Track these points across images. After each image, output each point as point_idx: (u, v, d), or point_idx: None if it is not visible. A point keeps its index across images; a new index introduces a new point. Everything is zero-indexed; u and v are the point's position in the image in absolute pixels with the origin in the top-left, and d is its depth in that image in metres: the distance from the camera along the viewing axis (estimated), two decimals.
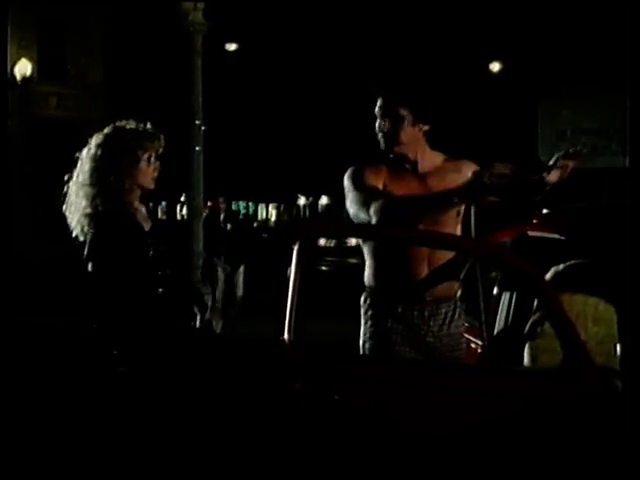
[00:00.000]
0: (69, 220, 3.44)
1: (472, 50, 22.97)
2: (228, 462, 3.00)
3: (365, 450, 2.93)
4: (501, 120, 22.27)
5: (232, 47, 25.06)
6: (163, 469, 3.07)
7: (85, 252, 3.33)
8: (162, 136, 3.49)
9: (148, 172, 3.40)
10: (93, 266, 3.29)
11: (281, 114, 28.17)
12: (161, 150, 3.46)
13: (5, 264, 16.40)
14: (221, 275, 8.97)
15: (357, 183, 3.42)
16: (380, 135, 3.47)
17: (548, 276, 3.73)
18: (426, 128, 3.44)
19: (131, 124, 3.47)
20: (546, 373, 3.10)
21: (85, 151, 3.47)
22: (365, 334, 3.39)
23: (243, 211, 38.21)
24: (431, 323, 3.34)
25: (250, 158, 30.65)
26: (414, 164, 3.44)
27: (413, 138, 3.42)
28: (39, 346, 3.38)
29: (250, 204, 40.15)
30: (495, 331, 3.84)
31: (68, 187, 3.46)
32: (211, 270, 8.82)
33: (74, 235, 3.41)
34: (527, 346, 3.41)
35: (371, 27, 26.16)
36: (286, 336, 2.94)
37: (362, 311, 3.43)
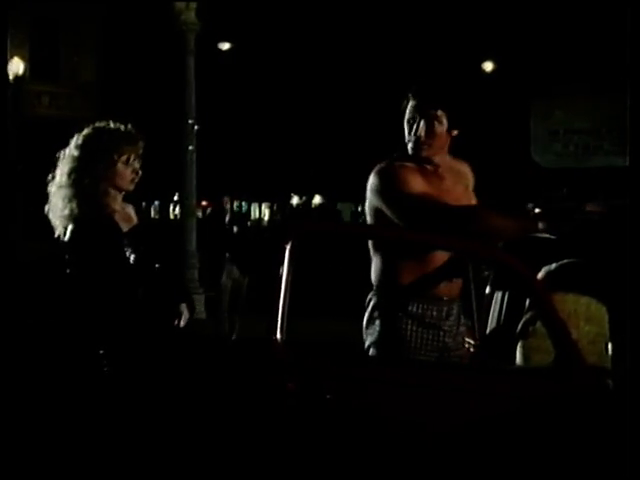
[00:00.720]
0: (52, 222, 3.45)
1: (465, 49, 23.00)
2: (219, 462, 2.99)
3: (357, 449, 2.93)
4: (493, 119, 22.30)
5: (225, 46, 25.04)
6: (152, 468, 3.07)
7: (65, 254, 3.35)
8: (142, 137, 3.48)
9: (125, 174, 3.40)
10: (70, 268, 3.31)
11: (274, 113, 28.17)
12: (141, 151, 3.46)
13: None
14: (227, 280, 8.63)
15: (403, 186, 3.23)
16: (412, 137, 3.32)
17: (540, 275, 3.74)
18: (455, 133, 3.36)
19: (111, 125, 3.47)
20: (538, 372, 3.11)
21: (65, 152, 3.48)
22: (376, 335, 3.25)
23: (237, 210, 38.14)
24: (448, 323, 3.28)
25: (243, 157, 30.63)
26: (436, 166, 3.36)
27: (444, 143, 3.34)
28: (30, 346, 3.37)
29: (243, 203, 40.16)
30: (487, 330, 3.84)
31: (49, 188, 3.47)
32: (218, 272, 8.53)
33: (56, 235, 3.42)
34: (519, 345, 3.41)
35: (364, 26, 26.17)
36: (278, 335, 2.94)
37: (370, 311, 3.30)
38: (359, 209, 27.77)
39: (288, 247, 3.00)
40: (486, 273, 3.78)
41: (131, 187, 3.43)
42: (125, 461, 3.10)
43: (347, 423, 2.92)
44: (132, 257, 3.35)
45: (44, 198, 3.50)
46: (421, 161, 3.34)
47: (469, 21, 24.03)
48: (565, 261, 3.70)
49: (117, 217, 3.42)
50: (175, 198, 31.20)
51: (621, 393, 2.99)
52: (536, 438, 2.91)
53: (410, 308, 3.24)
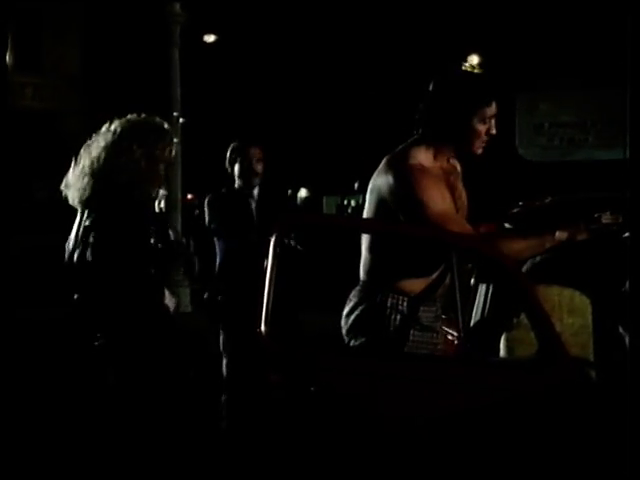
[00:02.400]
0: (72, 202, 3.45)
1: (450, 43, 23.02)
2: (204, 452, 3.00)
3: (342, 441, 2.94)
4: None
5: (211, 38, 24.96)
6: (143, 457, 3.08)
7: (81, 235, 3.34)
8: (172, 136, 3.51)
9: (154, 171, 3.42)
10: (93, 252, 3.31)
11: (260, 107, 28.12)
12: (172, 151, 3.49)
13: None
14: None
15: (435, 200, 3.10)
16: (485, 137, 3.23)
17: (524, 268, 3.76)
18: None
19: (151, 120, 3.50)
20: (521, 364, 3.13)
21: (95, 138, 3.47)
22: (364, 331, 3.18)
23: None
24: (439, 323, 3.25)
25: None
26: (452, 162, 3.30)
27: None
28: (28, 339, 3.39)
29: None
30: (471, 323, 3.86)
31: (72, 171, 3.45)
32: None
33: (77, 220, 3.41)
34: (503, 337, 3.43)
35: (350, 19, 26.15)
36: (263, 327, 2.95)
37: (362, 309, 3.20)
38: (345, 202, 27.80)
39: (272, 240, 3.00)
40: (470, 265, 3.80)
41: (157, 184, 3.44)
42: (120, 446, 3.11)
43: (332, 415, 2.93)
44: (153, 241, 3.37)
45: (30, 191, 3.50)
46: (450, 157, 3.26)
47: (455, 15, 24.05)
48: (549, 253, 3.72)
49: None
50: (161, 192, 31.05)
51: (604, 385, 3.02)
52: (519, 430, 2.93)
53: (407, 309, 3.17)
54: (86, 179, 3.40)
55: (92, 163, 3.40)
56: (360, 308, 3.22)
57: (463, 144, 3.24)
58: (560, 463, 2.94)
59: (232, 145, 5.40)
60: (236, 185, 5.28)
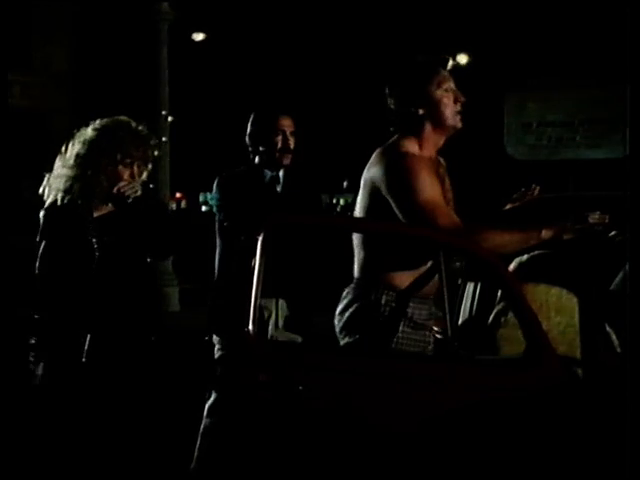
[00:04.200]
0: (46, 193, 3.46)
1: (439, 42, 23.06)
2: (190, 452, 3.00)
3: (328, 442, 2.94)
4: (467, 111, 22.32)
5: (199, 37, 24.90)
6: (126, 457, 3.08)
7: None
8: (156, 144, 3.50)
9: (121, 176, 3.41)
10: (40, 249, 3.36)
11: (249, 105, 28.08)
12: (150, 156, 3.48)
13: None
14: None
15: (426, 187, 3.10)
16: (459, 108, 3.26)
17: (511, 266, 3.77)
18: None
19: (132, 124, 3.49)
20: (509, 362, 3.14)
21: (82, 131, 3.47)
22: (357, 330, 3.16)
23: (211, 202, 37.92)
24: (431, 322, 3.24)
25: (218, 149, 30.52)
26: (437, 153, 3.30)
27: None
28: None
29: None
30: (459, 321, 3.87)
31: (57, 161, 3.46)
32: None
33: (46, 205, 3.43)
34: (490, 336, 3.44)
35: (339, 17, 26.15)
36: (250, 327, 2.94)
37: (356, 307, 3.18)
38: (334, 201, 27.78)
39: (260, 238, 3.00)
40: (458, 264, 3.81)
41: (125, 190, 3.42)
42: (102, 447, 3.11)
43: (319, 415, 2.93)
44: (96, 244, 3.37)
45: (18, 190, 3.52)
46: (436, 145, 3.26)
47: (443, 14, 24.09)
48: (536, 252, 3.73)
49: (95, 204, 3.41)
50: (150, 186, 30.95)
51: (590, 383, 3.03)
52: (506, 428, 2.94)
53: (401, 307, 3.17)
54: (64, 170, 3.41)
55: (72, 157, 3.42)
56: (354, 306, 3.22)
57: (438, 120, 3.23)
58: (547, 462, 2.95)
59: (255, 113, 4.30)
60: (257, 162, 4.23)
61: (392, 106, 3.29)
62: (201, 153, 27.98)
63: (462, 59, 22.88)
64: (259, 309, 3.00)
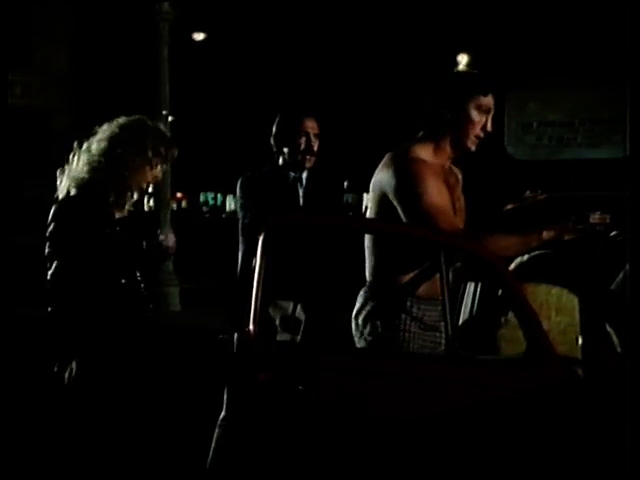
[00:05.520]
0: (59, 182, 3.40)
1: (439, 42, 23.06)
2: (191, 452, 3.00)
3: (329, 441, 2.94)
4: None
5: (200, 37, 24.92)
6: (128, 457, 3.08)
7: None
8: (176, 149, 3.50)
9: (145, 177, 3.40)
10: (50, 245, 3.29)
11: (249, 105, 28.08)
12: (169, 162, 3.48)
13: None
14: None
15: (431, 193, 3.12)
16: (482, 134, 3.28)
17: (512, 266, 3.77)
18: None
19: (160, 126, 3.50)
20: (509, 362, 3.14)
21: (108, 126, 3.42)
22: (370, 332, 3.20)
23: (211, 202, 38.02)
24: (442, 323, 3.21)
25: (218, 149, 30.53)
26: (450, 163, 3.33)
27: None
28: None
29: (218, 195, 39.99)
30: (460, 321, 3.87)
31: (75, 151, 3.39)
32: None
33: (56, 196, 3.38)
34: (491, 336, 3.44)
35: (339, 18, 26.15)
36: (251, 327, 2.95)
37: (368, 310, 3.21)
38: None
39: (261, 238, 3.00)
40: (458, 264, 3.81)
41: (143, 188, 3.42)
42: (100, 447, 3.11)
43: (320, 414, 2.93)
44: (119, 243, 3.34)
45: (18, 189, 3.48)
46: (449, 156, 3.29)
47: (444, 13, 24.09)
48: (537, 252, 3.74)
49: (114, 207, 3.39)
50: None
51: (590, 383, 3.03)
52: (507, 427, 2.94)
53: (411, 308, 3.19)
54: (86, 157, 3.35)
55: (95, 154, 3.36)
56: (367, 309, 3.25)
57: (459, 134, 3.26)
58: (548, 461, 2.95)
59: (281, 116, 4.35)
60: (280, 163, 4.28)
61: (424, 106, 3.30)
62: (202, 153, 27.99)
63: (463, 59, 22.90)
64: (262, 309, 3.00)
